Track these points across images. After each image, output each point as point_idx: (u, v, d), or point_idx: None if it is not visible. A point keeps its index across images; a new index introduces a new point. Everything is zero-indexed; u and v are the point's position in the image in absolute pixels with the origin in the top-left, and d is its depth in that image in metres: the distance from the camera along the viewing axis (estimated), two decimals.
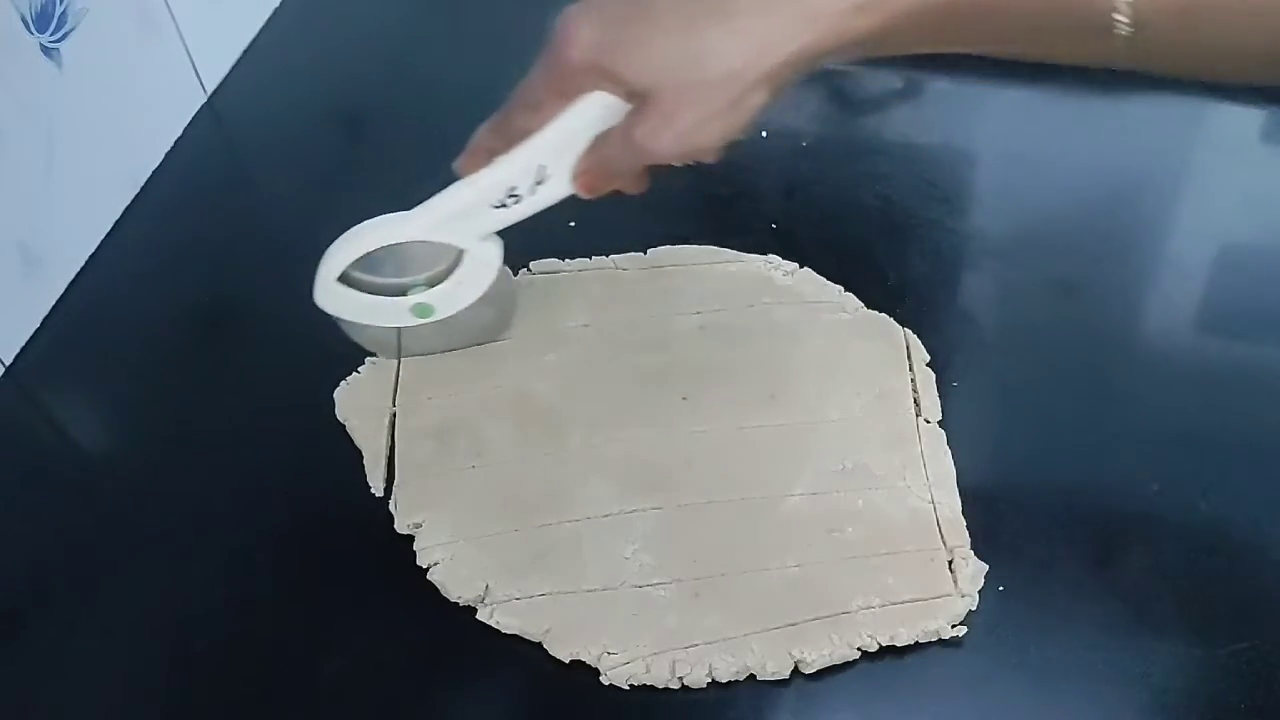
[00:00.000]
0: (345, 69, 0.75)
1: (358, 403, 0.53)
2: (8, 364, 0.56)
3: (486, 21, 0.78)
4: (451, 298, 0.49)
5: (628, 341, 0.55)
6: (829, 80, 0.73)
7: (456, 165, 0.44)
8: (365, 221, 0.47)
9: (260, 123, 0.71)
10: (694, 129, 0.39)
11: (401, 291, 0.49)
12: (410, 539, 0.48)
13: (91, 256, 0.61)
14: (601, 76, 0.39)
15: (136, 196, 0.64)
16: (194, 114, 0.70)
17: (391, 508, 0.49)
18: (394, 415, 0.52)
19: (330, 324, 0.57)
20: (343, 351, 0.55)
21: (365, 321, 0.50)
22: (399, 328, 0.51)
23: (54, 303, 0.58)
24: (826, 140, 0.68)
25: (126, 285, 0.60)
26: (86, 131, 0.59)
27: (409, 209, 0.47)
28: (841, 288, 0.57)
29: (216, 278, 0.60)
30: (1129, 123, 0.70)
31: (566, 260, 0.59)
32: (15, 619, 0.47)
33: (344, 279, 0.48)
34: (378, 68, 0.75)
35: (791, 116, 0.69)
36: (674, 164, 0.40)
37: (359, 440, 0.52)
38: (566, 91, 0.40)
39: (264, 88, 0.73)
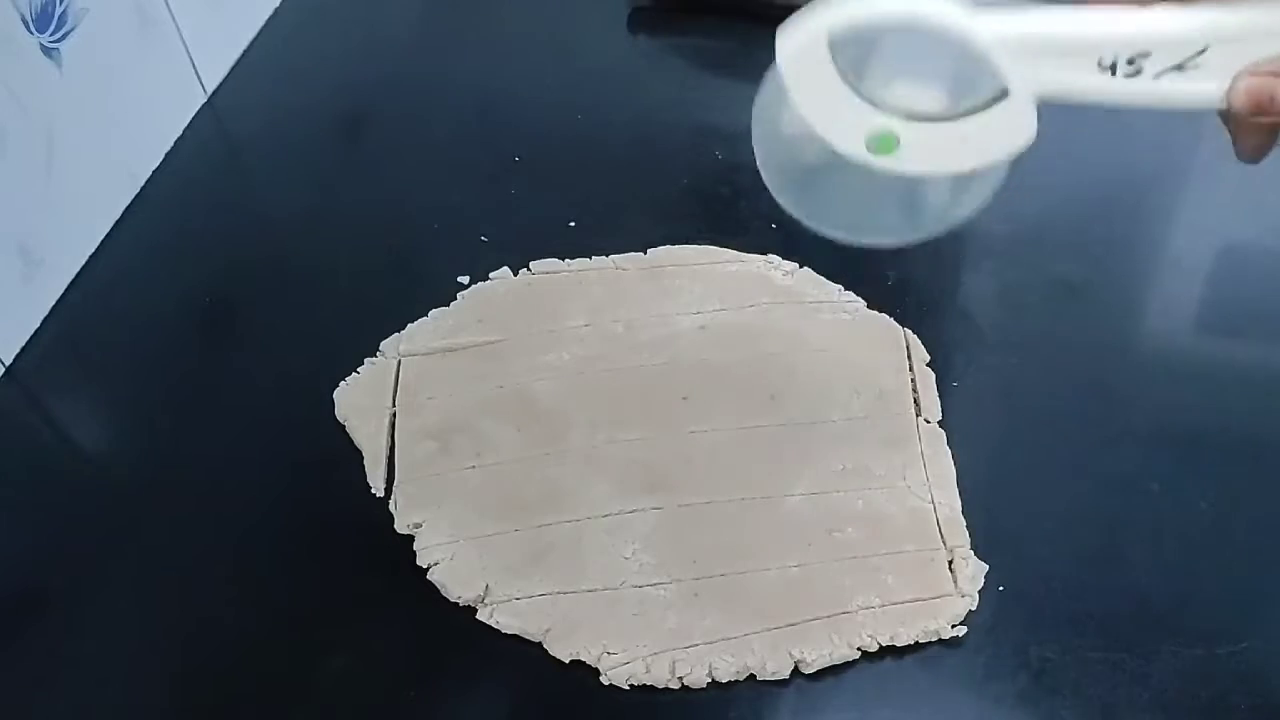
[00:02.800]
0: (345, 70, 0.75)
1: (358, 403, 0.53)
2: (8, 364, 0.56)
3: (487, 22, 0.78)
4: (931, 148, 0.34)
5: (628, 341, 0.55)
6: None
7: None
8: None
9: (260, 123, 0.71)
10: None
11: (874, 103, 0.34)
12: (410, 539, 0.48)
13: (91, 256, 0.61)
14: None
15: (136, 196, 0.64)
16: (194, 114, 0.70)
17: (391, 508, 0.49)
18: (394, 415, 0.52)
19: (330, 323, 0.57)
20: (343, 351, 0.55)
21: (810, 113, 0.35)
22: (832, 153, 0.35)
23: (54, 303, 0.58)
24: None
25: (126, 285, 0.60)
26: (86, 131, 0.59)
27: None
28: (841, 288, 0.57)
29: (216, 278, 0.60)
30: (1129, 123, 0.70)
31: (566, 260, 0.59)
32: (15, 619, 0.47)
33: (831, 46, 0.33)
34: (378, 68, 0.75)
35: None
36: None
37: (359, 440, 0.52)
38: None
39: (264, 88, 0.73)
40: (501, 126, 0.69)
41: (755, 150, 0.37)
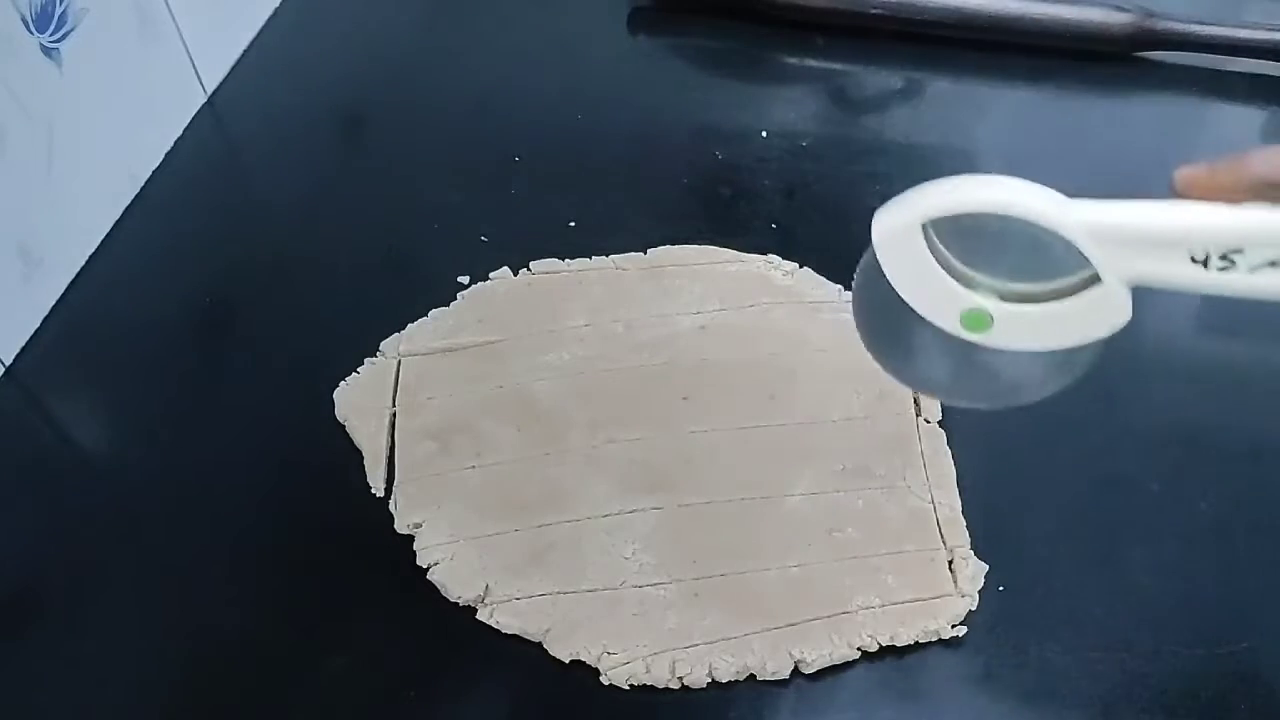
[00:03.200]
0: (345, 69, 0.75)
1: (358, 403, 0.53)
2: (8, 364, 0.56)
3: (487, 21, 0.78)
4: (1024, 326, 0.34)
5: (628, 341, 0.55)
6: (829, 80, 0.73)
7: (1180, 173, 0.31)
8: (1006, 178, 0.33)
9: (260, 123, 0.71)
10: None
11: (968, 284, 0.34)
12: (410, 539, 0.48)
13: (91, 256, 0.61)
14: None
15: (136, 196, 0.64)
16: (194, 114, 0.69)
17: (391, 508, 0.49)
18: (394, 415, 0.52)
19: (330, 323, 0.57)
20: (343, 351, 0.55)
21: (904, 291, 0.35)
22: (934, 332, 0.36)
23: (54, 303, 0.58)
24: (826, 140, 0.68)
25: (126, 285, 0.60)
26: (86, 131, 0.59)
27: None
28: (841, 288, 0.57)
29: (216, 278, 0.60)
30: (1129, 123, 0.70)
31: (566, 260, 0.59)
32: (15, 619, 0.47)
33: (927, 228, 0.34)
34: (378, 68, 0.75)
35: (791, 116, 0.70)
36: None
37: (359, 440, 0.52)
38: None
39: (264, 88, 0.73)
40: (501, 126, 0.69)
41: (854, 316, 0.38)
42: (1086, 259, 0.32)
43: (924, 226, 0.34)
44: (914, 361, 0.38)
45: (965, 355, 0.36)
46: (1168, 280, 0.32)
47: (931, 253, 0.34)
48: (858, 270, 0.37)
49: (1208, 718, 0.42)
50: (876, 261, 0.35)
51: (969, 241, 0.34)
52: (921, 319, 0.36)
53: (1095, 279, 0.33)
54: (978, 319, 0.34)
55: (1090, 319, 0.34)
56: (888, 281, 0.35)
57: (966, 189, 0.33)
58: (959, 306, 0.34)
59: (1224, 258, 0.31)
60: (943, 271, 0.34)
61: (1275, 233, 0.30)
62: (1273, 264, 0.30)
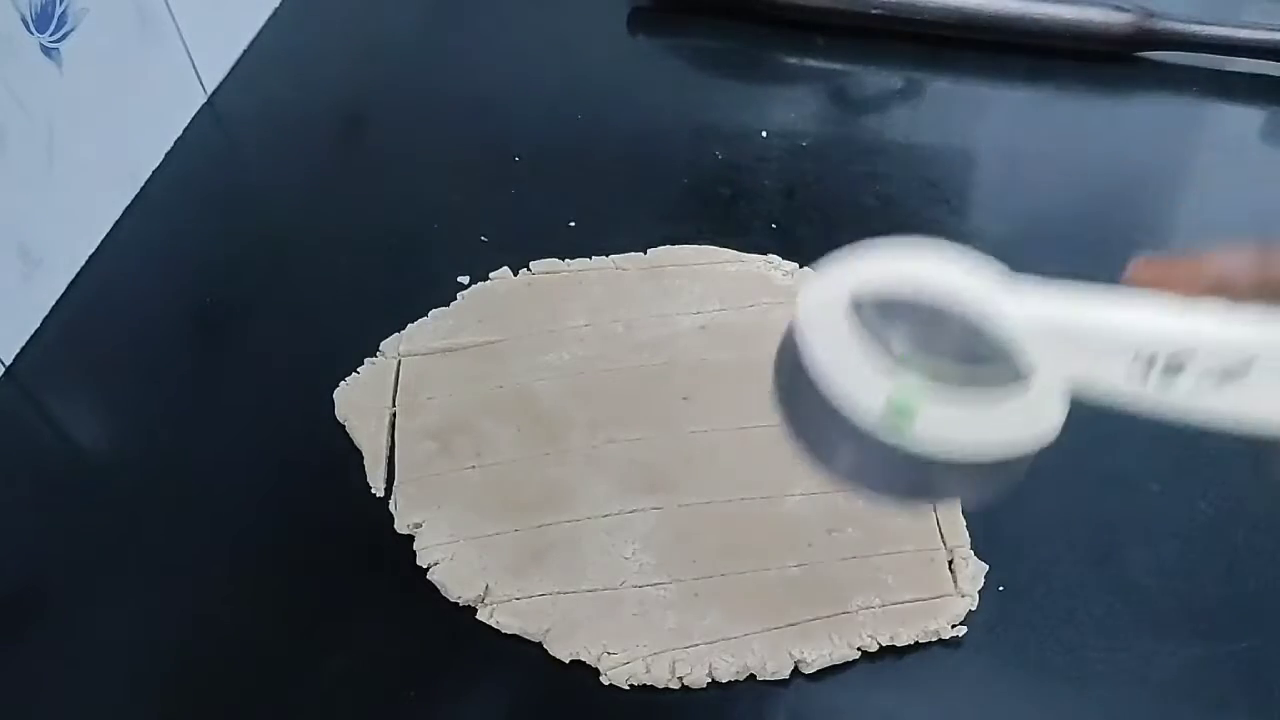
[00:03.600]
0: (345, 69, 0.75)
1: (358, 403, 0.53)
2: (8, 364, 0.56)
3: (487, 22, 0.78)
4: (945, 427, 0.30)
5: (628, 341, 0.55)
6: (829, 80, 0.73)
7: (1133, 265, 0.28)
8: (945, 251, 0.30)
9: (260, 123, 0.71)
10: None
11: (896, 370, 0.30)
12: (410, 539, 0.48)
13: (91, 256, 0.61)
14: None
15: (136, 196, 0.64)
16: (194, 114, 0.70)
17: (391, 508, 0.49)
18: (394, 415, 0.52)
19: (330, 323, 0.57)
20: (343, 351, 0.55)
21: (825, 373, 0.31)
22: (858, 422, 0.31)
23: (54, 303, 0.58)
24: (826, 140, 0.68)
25: (126, 285, 0.60)
26: (86, 132, 0.59)
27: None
28: None
29: (216, 278, 0.60)
30: (1129, 123, 0.70)
31: (566, 260, 0.59)
32: (15, 619, 0.47)
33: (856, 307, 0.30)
34: (378, 68, 0.75)
35: (791, 116, 0.70)
36: None
37: (359, 440, 0.52)
38: None
39: (264, 88, 0.73)
40: (501, 126, 0.69)
41: (773, 398, 0.34)
42: (1022, 355, 0.29)
43: (852, 306, 0.30)
44: (834, 451, 0.34)
45: (888, 451, 0.32)
46: (1107, 384, 0.29)
47: (859, 333, 0.30)
48: (778, 349, 0.33)
49: (1208, 717, 0.42)
50: (796, 342, 0.32)
51: (899, 323, 0.30)
52: (843, 408, 0.31)
53: (1030, 378, 0.30)
54: (902, 408, 0.30)
55: (1018, 425, 0.30)
56: (809, 366, 0.32)
57: (901, 265, 0.30)
58: (882, 396, 0.30)
59: (1169, 365, 0.28)
60: (867, 358, 0.30)
61: (1209, 337, 0.27)
62: (1223, 375, 0.27)
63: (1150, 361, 0.27)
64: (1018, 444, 0.30)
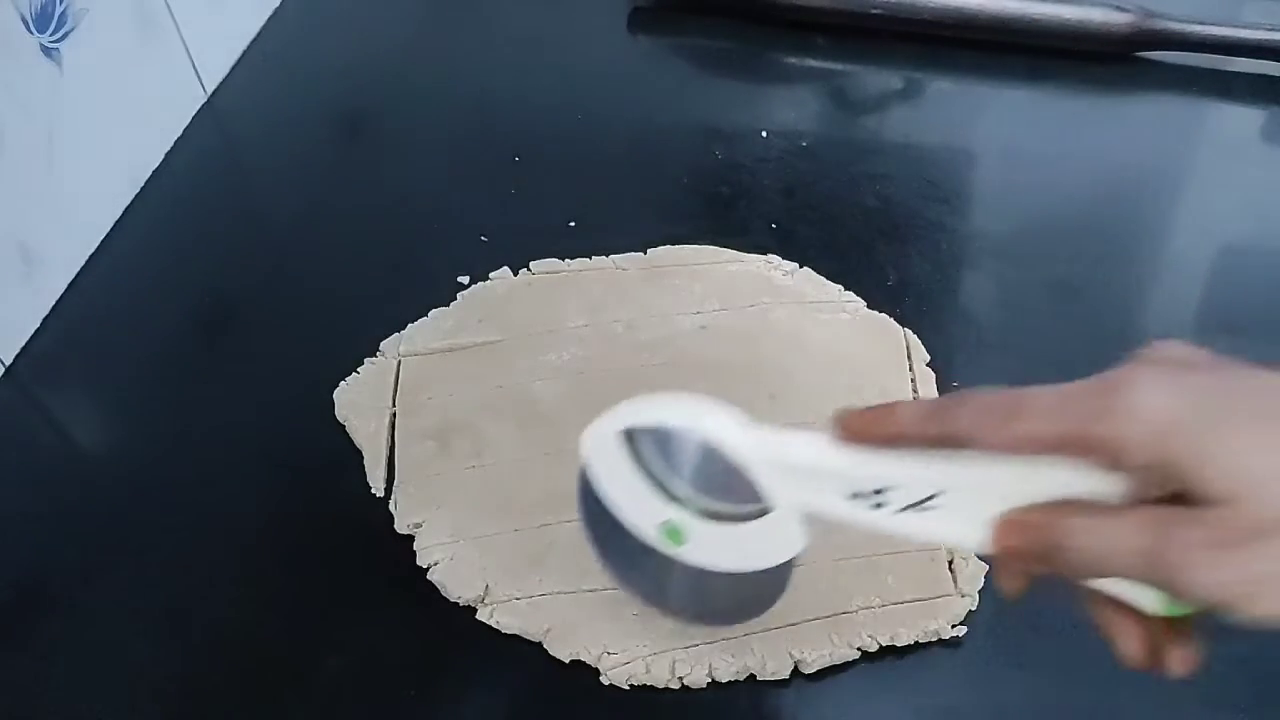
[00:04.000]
0: (345, 69, 0.75)
1: (358, 403, 0.53)
2: (8, 364, 0.56)
3: (487, 22, 0.78)
4: (713, 546, 0.35)
5: (628, 341, 0.55)
6: (829, 80, 0.73)
7: (842, 416, 0.31)
8: (702, 400, 0.35)
9: (260, 123, 0.71)
10: (1275, 581, 0.26)
11: (670, 496, 0.35)
12: (410, 539, 0.48)
13: (91, 256, 0.61)
14: (1159, 462, 0.26)
15: (136, 196, 0.64)
16: (194, 114, 0.70)
17: (391, 508, 0.49)
18: (394, 415, 0.52)
19: (330, 323, 0.57)
20: (343, 351, 0.55)
21: (610, 499, 0.37)
22: (642, 543, 0.37)
23: (54, 303, 0.58)
24: (826, 140, 0.68)
25: (126, 285, 0.60)
26: (86, 131, 0.59)
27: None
28: (841, 288, 0.57)
29: (216, 278, 0.60)
30: (1129, 123, 0.70)
31: (566, 260, 0.59)
32: (15, 619, 0.47)
33: (632, 440, 0.36)
34: (378, 68, 0.75)
35: (791, 116, 0.70)
36: (1197, 607, 0.29)
37: (359, 440, 0.52)
38: (1066, 447, 0.28)
39: (264, 88, 0.73)
40: (501, 126, 0.69)
41: (579, 517, 0.39)
42: (760, 484, 0.33)
43: (631, 439, 0.35)
44: (632, 570, 0.39)
45: (673, 570, 0.37)
46: (831, 515, 0.32)
47: (637, 463, 0.35)
48: (579, 475, 0.37)
49: (1208, 717, 0.42)
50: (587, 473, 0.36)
51: (676, 456, 0.35)
52: (630, 529, 0.37)
53: (771, 506, 0.34)
54: (675, 532, 0.35)
55: (769, 544, 0.34)
56: (599, 492, 0.37)
57: (659, 408, 0.35)
58: (659, 518, 0.35)
59: (879, 496, 0.31)
60: (644, 483, 0.35)
61: (910, 478, 0.30)
62: (918, 506, 0.30)
63: (859, 495, 0.31)
64: (767, 559, 0.35)
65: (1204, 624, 0.29)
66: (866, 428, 0.31)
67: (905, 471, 0.30)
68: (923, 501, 0.30)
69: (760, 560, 0.35)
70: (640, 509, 0.36)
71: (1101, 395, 0.27)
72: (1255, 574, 0.26)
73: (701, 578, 0.36)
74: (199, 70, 0.69)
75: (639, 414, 0.34)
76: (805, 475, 0.32)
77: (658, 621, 0.44)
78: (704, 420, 0.33)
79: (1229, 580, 0.26)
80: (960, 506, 0.30)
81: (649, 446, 0.35)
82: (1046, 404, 0.28)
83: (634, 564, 0.38)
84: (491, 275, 0.58)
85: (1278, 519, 0.25)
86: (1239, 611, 0.27)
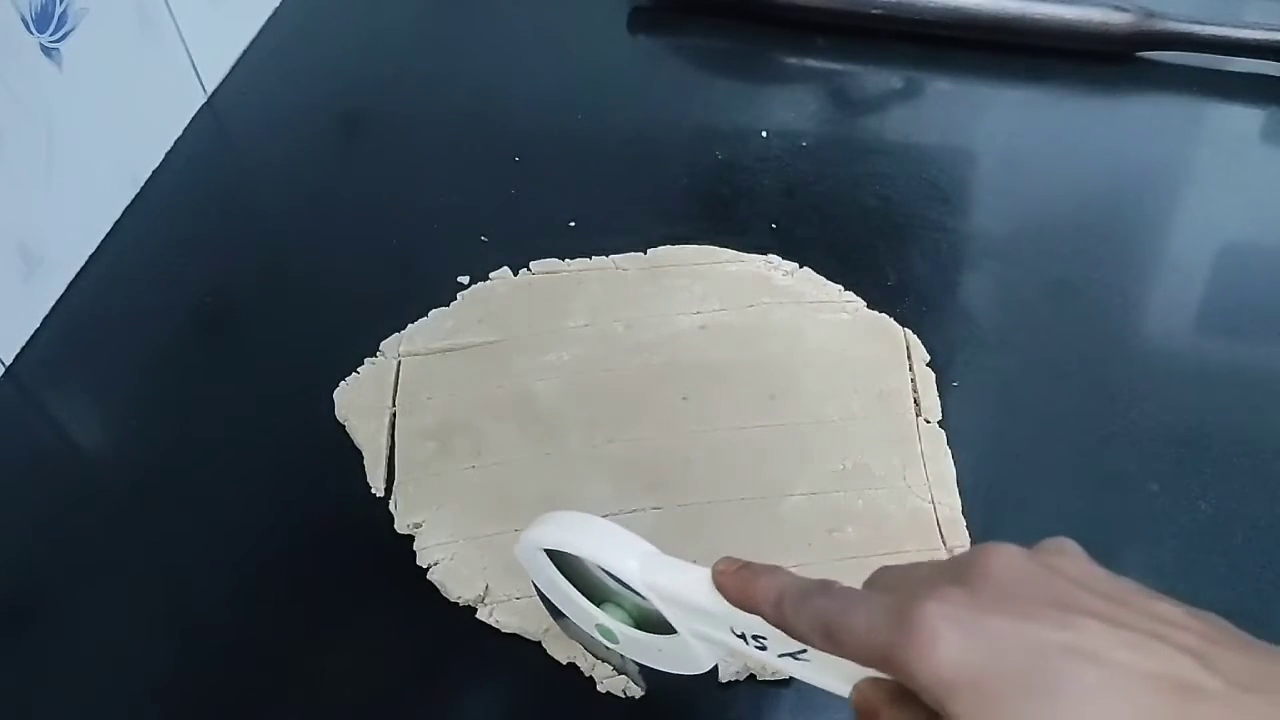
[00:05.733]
0: (345, 70, 0.75)
1: (358, 403, 0.53)
2: (8, 364, 0.56)
3: (487, 22, 0.78)
4: (640, 649, 0.37)
5: (628, 341, 0.55)
6: (829, 80, 0.73)
7: (719, 566, 0.33)
8: (608, 525, 0.36)
9: (260, 123, 0.71)
10: None
11: (604, 598, 0.38)
12: (410, 539, 0.48)
13: (91, 256, 0.61)
14: (943, 708, 0.27)
15: (136, 196, 0.64)
16: (194, 114, 0.70)
17: (391, 508, 0.49)
18: (394, 415, 0.52)
19: (330, 323, 0.57)
20: (343, 351, 0.55)
21: (551, 598, 0.40)
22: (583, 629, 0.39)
23: (54, 303, 0.58)
24: (826, 140, 0.68)
25: (126, 285, 0.60)
26: (86, 131, 0.59)
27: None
28: (841, 287, 0.57)
29: (216, 278, 0.60)
30: (1129, 123, 0.70)
31: (566, 260, 0.59)
32: (15, 619, 0.47)
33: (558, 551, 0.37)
34: (377, 68, 0.75)
35: (791, 116, 0.70)
36: None
37: (359, 440, 0.52)
38: (876, 666, 0.29)
39: (264, 88, 0.73)
40: (501, 126, 0.69)
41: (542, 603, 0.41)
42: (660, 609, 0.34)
43: (553, 554, 0.37)
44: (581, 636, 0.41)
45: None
46: (720, 643, 0.34)
47: (570, 569, 0.37)
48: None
49: None
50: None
51: (594, 571, 0.37)
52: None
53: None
54: (606, 632, 0.37)
55: (680, 658, 0.36)
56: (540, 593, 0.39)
57: (568, 531, 0.36)
58: (593, 620, 0.37)
59: (759, 641, 0.32)
60: (573, 591, 0.37)
61: (775, 633, 0.31)
62: (796, 656, 0.32)
63: (742, 636, 0.33)
64: (684, 669, 0.36)
65: None
66: (731, 589, 0.32)
67: (771, 629, 0.31)
68: (795, 654, 0.32)
69: (678, 668, 0.37)
70: (575, 610, 0.38)
71: (901, 629, 0.27)
72: None
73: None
74: (199, 70, 0.69)
75: (551, 537, 0.36)
76: (695, 611, 0.33)
77: None
78: (605, 551, 0.35)
79: None
80: (827, 665, 0.31)
81: (570, 559, 0.37)
82: (858, 623, 0.29)
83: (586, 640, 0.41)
84: (491, 275, 0.58)
85: None
86: None
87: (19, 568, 0.49)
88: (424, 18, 0.79)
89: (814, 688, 0.44)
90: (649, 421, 0.51)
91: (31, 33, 0.55)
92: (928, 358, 0.54)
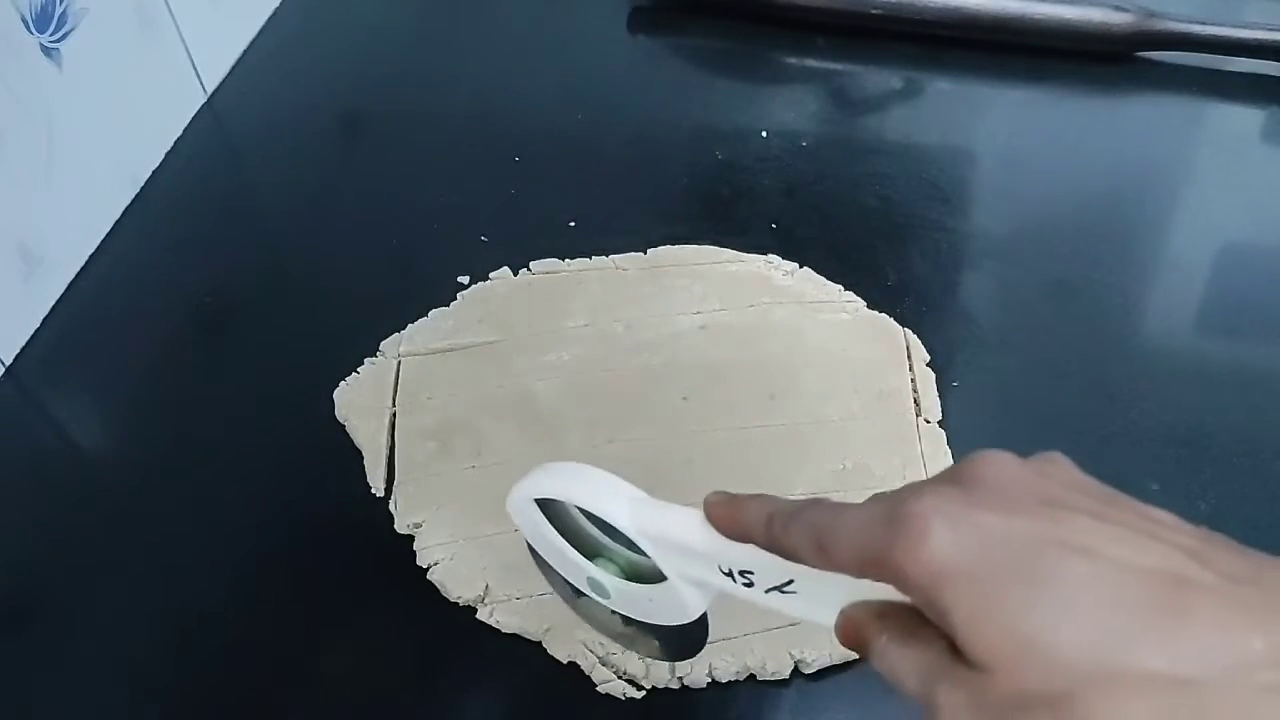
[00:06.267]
0: (345, 69, 0.75)
1: (358, 403, 0.53)
2: (8, 364, 0.56)
3: (487, 22, 0.78)
4: (632, 602, 0.37)
5: (628, 341, 0.55)
6: (829, 80, 0.73)
7: (710, 499, 0.33)
8: (598, 471, 0.36)
9: (260, 123, 0.71)
10: None
11: (595, 553, 0.37)
12: (410, 539, 0.48)
13: (91, 256, 0.61)
14: (934, 604, 0.26)
15: (136, 196, 0.64)
16: (194, 114, 0.70)
17: (391, 508, 0.49)
18: (394, 415, 0.52)
19: (330, 323, 0.57)
20: (343, 351, 0.55)
21: (543, 555, 0.39)
22: (573, 586, 0.39)
23: (54, 303, 0.58)
24: (826, 140, 0.68)
25: (126, 285, 0.60)
26: (86, 131, 0.59)
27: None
28: (841, 287, 0.57)
29: (216, 278, 0.60)
30: (1129, 123, 0.70)
31: (566, 260, 0.59)
32: (15, 619, 0.47)
33: (547, 504, 0.37)
34: (378, 68, 0.75)
35: (791, 116, 0.70)
36: None
37: (359, 440, 0.52)
38: (870, 573, 0.28)
39: (264, 88, 0.73)
40: (501, 126, 0.69)
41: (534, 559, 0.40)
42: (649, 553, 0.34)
43: (544, 505, 0.37)
44: (576, 600, 0.40)
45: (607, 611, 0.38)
46: (710, 584, 0.34)
47: (562, 522, 0.37)
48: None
49: None
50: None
51: (587, 522, 0.37)
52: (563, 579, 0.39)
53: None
54: (598, 587, 0.37)
55: (670, 607, 0.36)
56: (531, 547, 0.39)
57: (558, 480, 0.36)
58: (585, 574, 0.37)
59: (746, 577, 0.32)
60: (564, 544, 0.37)
61: (764, 564, 0.31)
62: (782, 589, 0.32)
63: (730, 574, 0.32)
64: (673, 619, 0.36)
65: None
66: (722, 519, 0.32)
67: (760, 560, 0.31)
68: (781, 586, 0.32)
69: (667, 619, 0.36)
70: (567, 565, 0.38)
71: (892, 526, 0.27)
72: None
73: (630, 622, 0.38)
74: (199, 70, 0.69)
75: (540, 486, 0.36)
76: (684, 551, 0.33)
77: None
78: (594, 496, 0.35)
79: None
80: (814, 593, 0.31)
81: (563, 510, 0.37)
82: (849, 528, 0.28)
83: (575, 600, 0.41)
84: (491, 275, 0.58)
85: (1040, 695, 0.25)
86: None
87: (19, 568, 0.49)
88: (424, 18, 0.79)
89: (813, 687, 0.44)
90: (649, 421, 0.51)
91: (31, 33, 0.55)
92: (928, 358, 0.54)
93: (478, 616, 0.45)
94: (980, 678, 0.26)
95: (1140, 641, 0.25)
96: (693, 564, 0.34)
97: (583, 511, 0.36)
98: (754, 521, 0.31)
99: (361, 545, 0.48)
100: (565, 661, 0.44)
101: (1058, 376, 0.54)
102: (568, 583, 0.39)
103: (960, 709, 0.26)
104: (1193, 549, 0.27)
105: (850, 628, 0.30)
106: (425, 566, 0.47)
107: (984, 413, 0.52)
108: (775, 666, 0.43)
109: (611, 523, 0.35)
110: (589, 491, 0.35)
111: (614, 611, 0.38)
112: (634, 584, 0.36)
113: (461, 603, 0.46)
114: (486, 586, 0.46)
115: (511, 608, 0.45)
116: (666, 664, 0.43)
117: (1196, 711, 0.24)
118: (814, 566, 0.29)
